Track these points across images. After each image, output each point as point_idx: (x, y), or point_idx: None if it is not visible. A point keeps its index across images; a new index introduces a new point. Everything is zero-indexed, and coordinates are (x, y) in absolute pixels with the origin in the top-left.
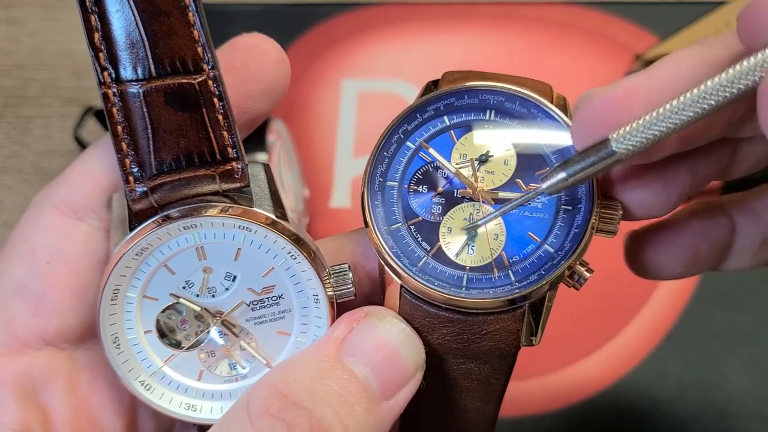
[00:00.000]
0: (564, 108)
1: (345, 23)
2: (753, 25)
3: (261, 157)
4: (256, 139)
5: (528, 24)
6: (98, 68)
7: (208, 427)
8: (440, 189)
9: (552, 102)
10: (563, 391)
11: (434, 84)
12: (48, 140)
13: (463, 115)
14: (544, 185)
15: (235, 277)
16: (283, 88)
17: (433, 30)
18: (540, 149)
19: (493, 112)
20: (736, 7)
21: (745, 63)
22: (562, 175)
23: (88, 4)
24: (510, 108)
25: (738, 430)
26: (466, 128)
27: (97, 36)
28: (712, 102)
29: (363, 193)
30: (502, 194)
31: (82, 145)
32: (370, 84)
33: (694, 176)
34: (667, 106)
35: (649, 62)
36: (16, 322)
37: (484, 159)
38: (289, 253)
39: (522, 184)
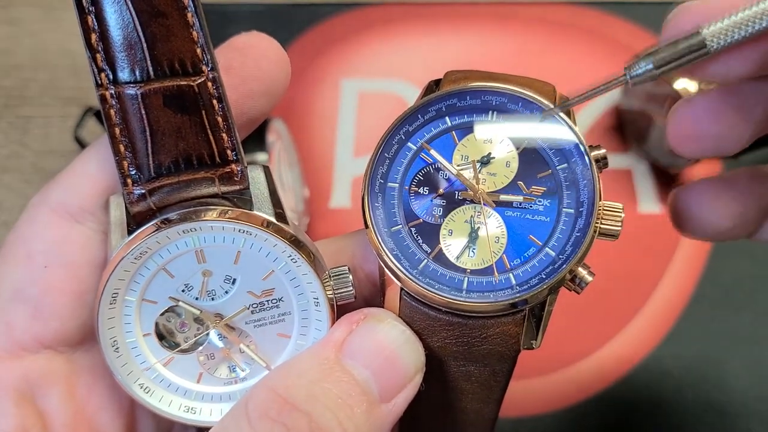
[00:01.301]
0: (567, 109)
1: (345, 23)
2: None
3: (261, 157)
4: (256, 139)
5: (528, 24)
6: (95, 69)
7: (207, 429)
8: (441, 191)
9: (554, 104)
10: (563, 391)
11: (436, 84)
12: (48, 140)
13: (465, 116)
14: (631, 75)
15: (234, 280)
16: (283, 88)
17: (433, 30)
18: (542, 151)
19: (495, 113)
20: None
21: None
22: (649, 65)
23: (84, 4)
24: (512, 109)
25: (738, 430)
26: (467, 129)
27: (94, 37)
28: None
29: (363, 194)
30: (503, 196)
31: (82, 145)
32: (370, 84)
33: (767, 112)
34: (762, 5)
35: None
36: (13, 326)
37: (485, 161)
38: (289, 256)
39: (524, 186)
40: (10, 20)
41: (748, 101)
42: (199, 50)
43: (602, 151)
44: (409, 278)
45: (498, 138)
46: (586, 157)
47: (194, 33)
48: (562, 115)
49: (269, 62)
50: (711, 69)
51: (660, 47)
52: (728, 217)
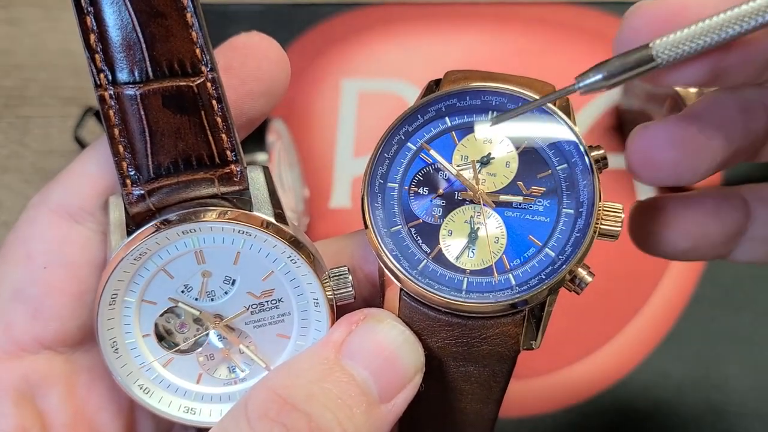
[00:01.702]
0: (567, 109)
1: (345, 23)
2: None
3: (261, 157)
4: (256, 139)
5: (528, 24)
6: (94, 70)
7: (207, 430)
8: (441, 191)
9: (555, 104)
10: (563, 391)
11: (436, 84)
12: (48, 140)
13: (465, 116)
14: (580, 84)
15: (234, 280)
16: (283, 88)
17: (433, 30)
18: (542, 151)
19: (495, 113)
20: None
21: None
22: (598, 76)
23: (83, 4)
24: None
25: (738, 430)
26: (467, 129)
27: (92, 37)
28: (760, 20)
29: (363, 194)
30: (503, 197)
31: (82, 145)
32: (370, 84)
33: (729, 142)
34: (714, 19)
35: None
36: (13, 326)
37: (485, 161)
38: (289, 257)
39: (523, 186)
40: (10, 20)
41: (707, 130)
42: (198, 51)
43: (602, 152)
44: (408, 279)
45: (498, 138)
46: (586, 158)
47: (193, 33)
48: (561, 114)
49: (269, 62)
50: (664, 78)
51: (611, 59)
52: (688, 237)
